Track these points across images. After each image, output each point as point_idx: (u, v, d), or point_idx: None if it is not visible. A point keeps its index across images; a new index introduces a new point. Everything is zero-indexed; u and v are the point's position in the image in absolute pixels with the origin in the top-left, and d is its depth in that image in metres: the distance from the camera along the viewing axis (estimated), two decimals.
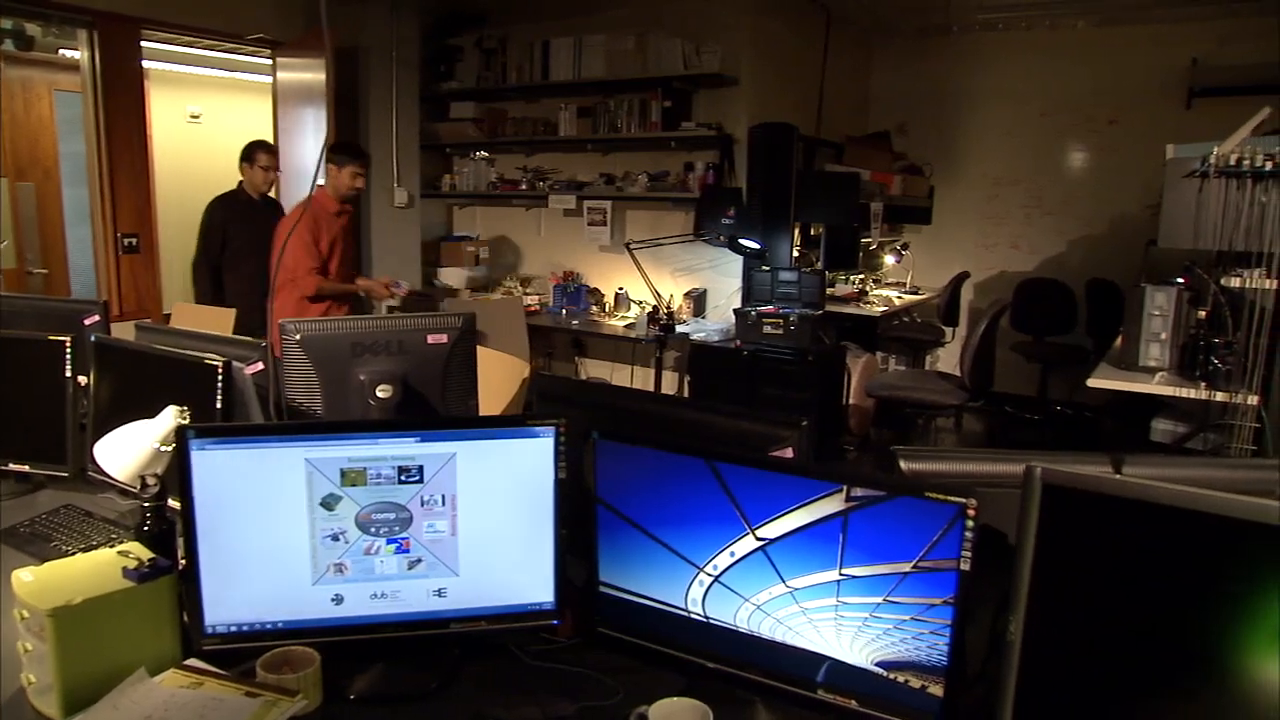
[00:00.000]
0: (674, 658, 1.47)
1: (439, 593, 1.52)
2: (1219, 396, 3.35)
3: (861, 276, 6.55)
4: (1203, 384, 3.41)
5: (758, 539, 1.34)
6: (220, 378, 2.02)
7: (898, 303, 6.25)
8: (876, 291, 6.38)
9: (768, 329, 5.17)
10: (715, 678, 1.44)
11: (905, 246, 7.30)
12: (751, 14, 5.78)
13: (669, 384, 5.67)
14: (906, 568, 1.24)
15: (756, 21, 5.84)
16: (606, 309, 6.30)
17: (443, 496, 1.49)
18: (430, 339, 2.01)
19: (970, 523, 1.19)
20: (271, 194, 5.22)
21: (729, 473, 1.35)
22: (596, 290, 6.43)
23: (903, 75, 7.62)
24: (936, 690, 1.26)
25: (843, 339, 5.79)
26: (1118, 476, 1.10)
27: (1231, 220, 3.22)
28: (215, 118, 7.23)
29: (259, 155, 4.99)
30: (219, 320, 4.07)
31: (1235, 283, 3.31)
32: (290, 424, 1.93)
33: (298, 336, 1.95)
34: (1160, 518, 1.07)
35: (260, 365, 2.14)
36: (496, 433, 1.50)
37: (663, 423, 1.68)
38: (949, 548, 1.21)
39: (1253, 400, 3.29)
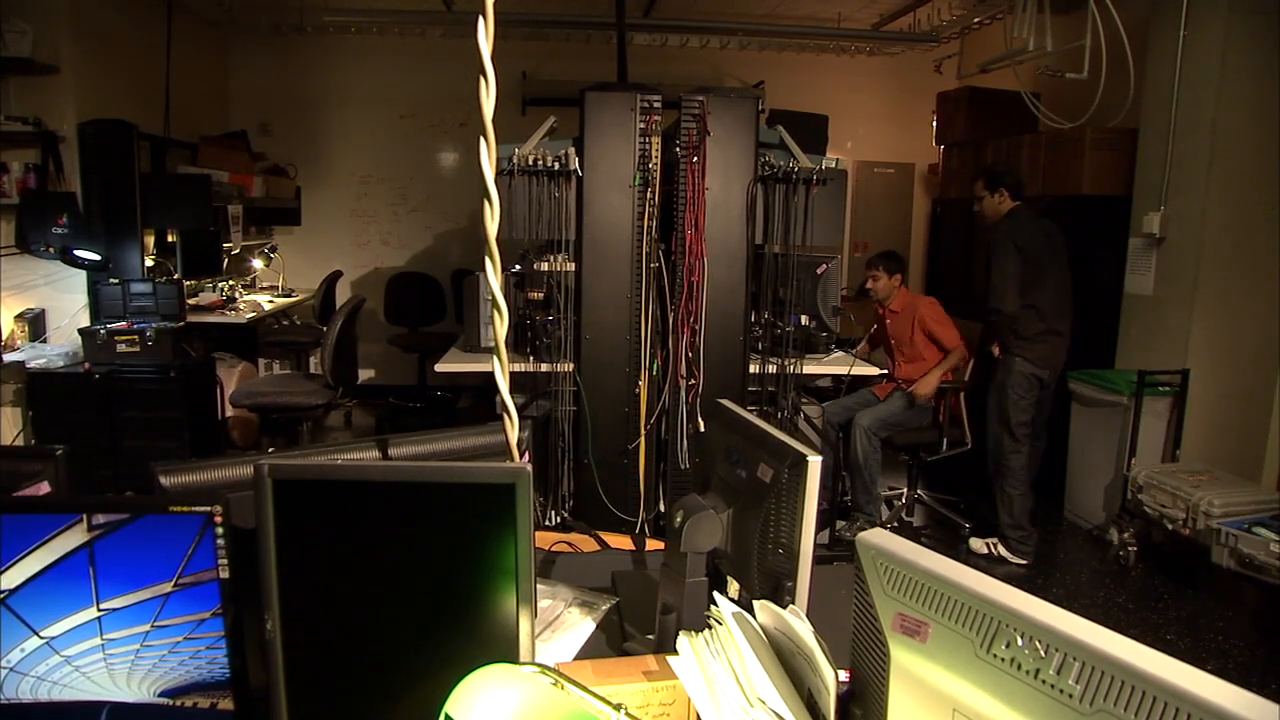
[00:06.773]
0: None
1: None
2: (544, 368, 3.84)
3: (230, 283, 6.27)
4: (532, 357, 3.86)
5: None
6: None
7: (269, 307, 6.08)
8: (247, 297, 6.14)
9: (122, 347, 4.72)
10: None
11: (274, 249, 7.13)
12: None
13: (10, 422, 4.89)
14: (168, 587, 1.20)
15: (76, 2, 5.21)
16: None
17: None
18: None
19: (220, 529, 1.19)
20: None
21: None
22: None
23: (263, 74, 7.41)
24: (227, 705, 1.24)
25: (219, 350, 5.50)
26: (339, 463, 1.18)
27: (536, 212, 3.69)
28: None
29: None
30: None
31: (545, 266, 3.80)
32: None
33: None
34: (381, 492, 1.19)
35: None
36: None
37: None
38: (205, 558, 1.19)
39: (569, 368, 3.81)
